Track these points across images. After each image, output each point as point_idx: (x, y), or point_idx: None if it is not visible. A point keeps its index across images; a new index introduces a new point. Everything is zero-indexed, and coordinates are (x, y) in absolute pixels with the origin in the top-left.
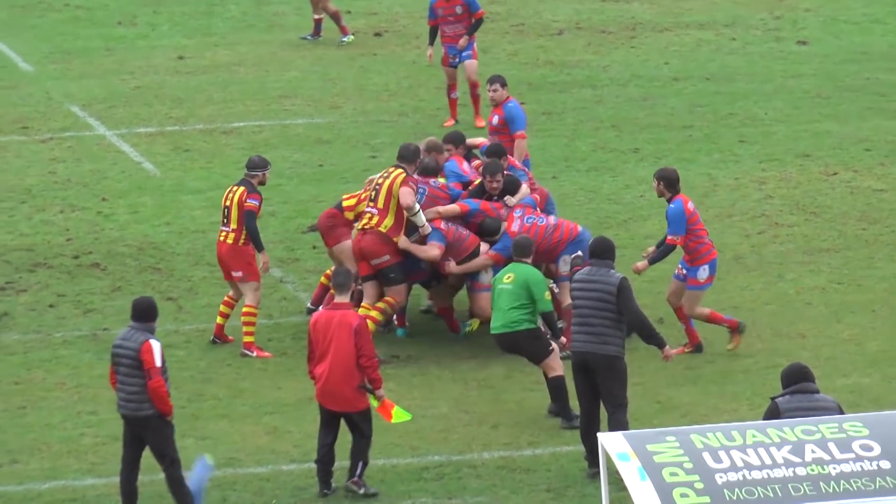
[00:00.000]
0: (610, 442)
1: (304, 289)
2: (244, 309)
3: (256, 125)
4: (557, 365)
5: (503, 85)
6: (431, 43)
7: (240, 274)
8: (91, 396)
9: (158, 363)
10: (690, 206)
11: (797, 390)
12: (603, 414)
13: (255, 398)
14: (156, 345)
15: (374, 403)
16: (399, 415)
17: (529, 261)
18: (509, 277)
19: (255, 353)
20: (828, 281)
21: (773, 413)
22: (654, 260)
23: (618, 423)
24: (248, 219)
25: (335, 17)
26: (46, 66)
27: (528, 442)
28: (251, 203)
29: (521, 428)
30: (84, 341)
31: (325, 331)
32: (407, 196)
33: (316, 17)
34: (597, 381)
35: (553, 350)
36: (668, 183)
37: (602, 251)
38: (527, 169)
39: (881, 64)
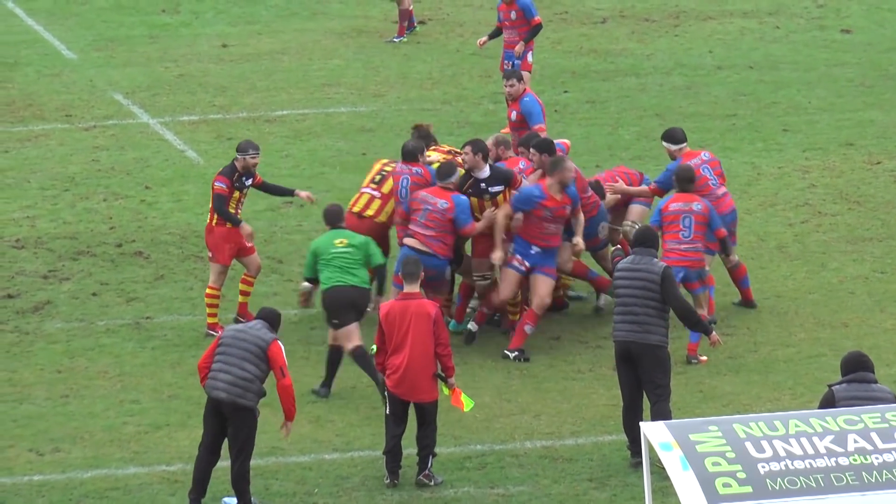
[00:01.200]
0: (652, 431)
1: None
2: (207, 290)
3: (300, 113)
4: (359, 335)
5: (519, 80)
6: (490, 37)
7: (210, 254)
8: (134, 385)
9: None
10: (674, 206)
11: (854, 379)
12: (645, 403)
13: (299, 387)
14: (282, 346)
15: (444, 391)
16: (468, 402)
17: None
18: (342, 242)
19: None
20: (871, 270)
21: (829, 400)
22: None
23: (661, 413)
24: (215, 201)
25: (404, 14)
26: (90, 54)
27: (570, 431)
28: (217, 186)
29: (563, 417)
30: (127, 330)
31: (401, 321)
32: None
33: (403, 8)
34: (639, 371)
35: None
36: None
37: (645, 240)
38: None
39: None
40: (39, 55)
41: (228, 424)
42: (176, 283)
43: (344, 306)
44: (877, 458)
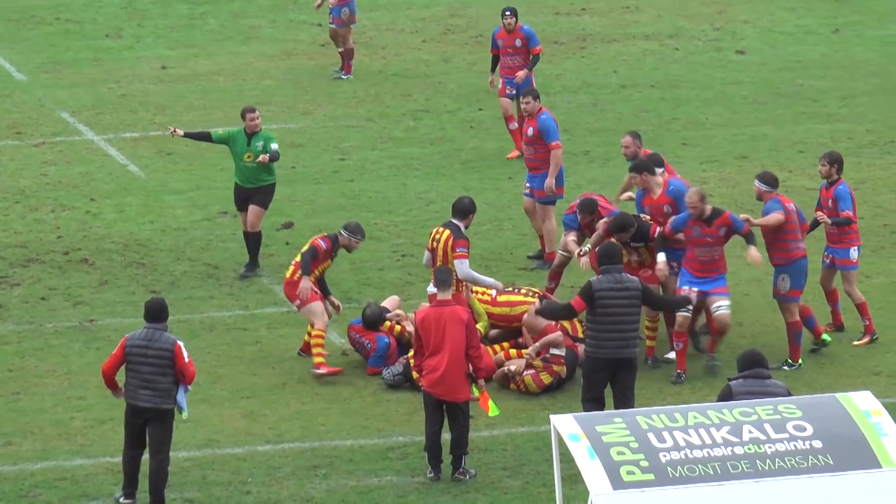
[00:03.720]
0: (562, 423)
1: (278, 282)
2: (315, 332)
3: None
4: None
5: (535, 98)
6: (493, 70)
7: (297, 303)
8: (80, 382)
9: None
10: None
11: (750, 375)
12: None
13: (233, 384)
14: (182, 345)
15: (475, 393)
16: (493, 408)
17: None
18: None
19: (324, 371)
20: (764, 273)
21: (727, 394)
22: (836, 223)
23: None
24: (309, 252)
25: (347, 53)
26: (39, 76)
27: (485, 424)
28: (318, 243)
29: (479, 411)
30: (74, 332)
31: (437, 326)
32: None
33: (340, 50)
34: (617, 379)
35: None
36: (840, 167)
37: (612, 256)
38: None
39: (814, 72)
40: None
41: (149, 424)
42: (119, 288)
43: None
44: (770, 448)
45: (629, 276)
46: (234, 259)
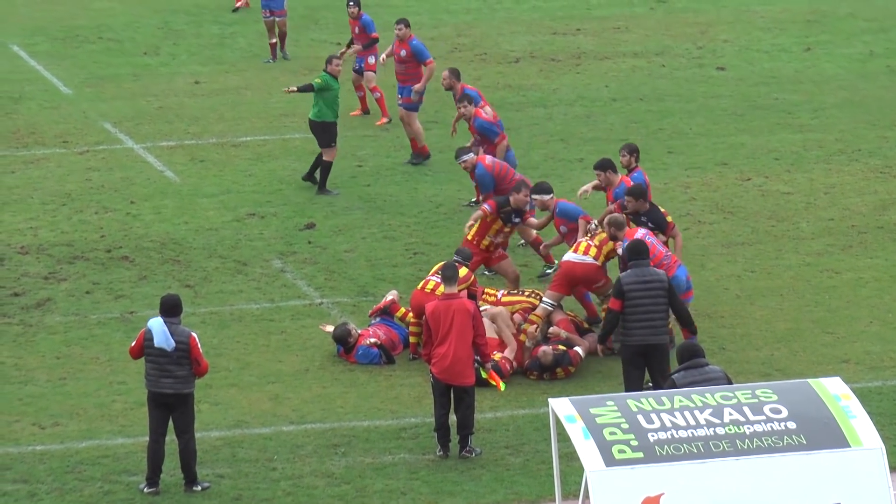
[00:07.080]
0: (559, 406)
1: (301, 277)
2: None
3: (261, 139)
4: None
5: (407, 25)
6: (347, 47)
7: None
8: (121, 368)
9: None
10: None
11: (690, 366)
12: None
13: (260, 370)
14: (197, 336)
15: (483, 374)
16: (502, 385)
17: None
18: None
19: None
20: (742, 270)
21: (671, 387)
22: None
23: None
24: None
25: (282, 36)
26: (83, 90)
27: (489, 406)
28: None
29: (483, 394)
30: (115, 322)
31: (446, 317)
32: None
33: (273, 41)
34: (651, 365)
35: None
36: (637, 156)
37: (641, 252)
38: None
39: (787, 86)
40: (40, 91)
41: (173, 409)
42: (157, 282)
43: None
44: (748, 428)
45: (655, 269)
46: (260, 256)
